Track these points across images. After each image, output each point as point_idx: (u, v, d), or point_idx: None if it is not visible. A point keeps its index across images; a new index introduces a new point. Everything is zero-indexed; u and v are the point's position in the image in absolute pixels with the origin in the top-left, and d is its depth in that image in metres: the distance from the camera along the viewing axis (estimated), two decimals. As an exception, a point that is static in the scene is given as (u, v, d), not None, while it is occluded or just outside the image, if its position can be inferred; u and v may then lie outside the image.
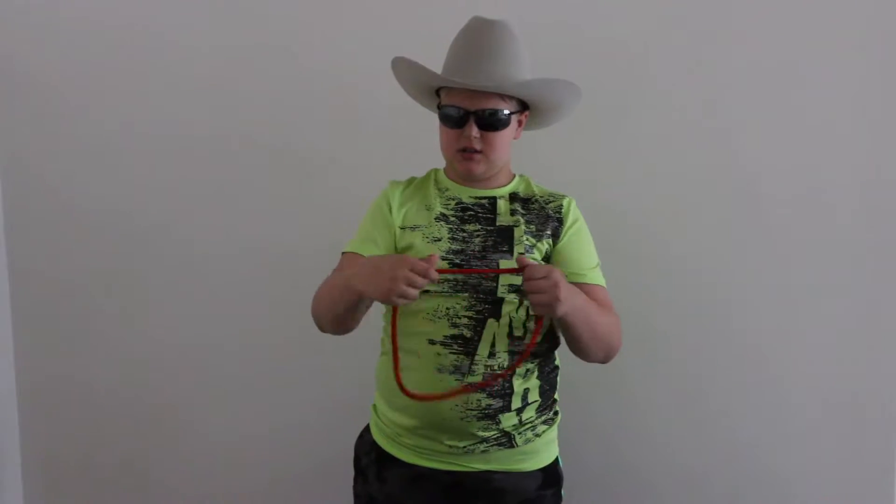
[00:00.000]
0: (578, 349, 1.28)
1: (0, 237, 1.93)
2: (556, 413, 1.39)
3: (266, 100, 1.83)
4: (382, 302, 1.19)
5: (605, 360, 1.32)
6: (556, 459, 1.39)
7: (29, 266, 1.96)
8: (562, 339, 1.38)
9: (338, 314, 1.27)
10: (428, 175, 1.43)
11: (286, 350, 1.90)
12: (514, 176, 1.42)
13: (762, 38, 1.69)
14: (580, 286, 1.26)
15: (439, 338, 1.25)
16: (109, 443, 1.99)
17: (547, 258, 1.33)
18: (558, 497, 1.39)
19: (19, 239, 1.95)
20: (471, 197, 1.35)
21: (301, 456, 1.93)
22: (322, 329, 1.34)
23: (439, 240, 1.29)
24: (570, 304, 1.15)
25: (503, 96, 1.27)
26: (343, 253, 1.37)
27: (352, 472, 1.45)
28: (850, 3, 1.65)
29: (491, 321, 1.26)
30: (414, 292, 1.10)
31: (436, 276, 1.11)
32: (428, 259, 1.11)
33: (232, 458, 1.97)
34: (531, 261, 1.18)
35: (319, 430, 1.90)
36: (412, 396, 1.22)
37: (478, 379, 1.24)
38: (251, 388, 1.94)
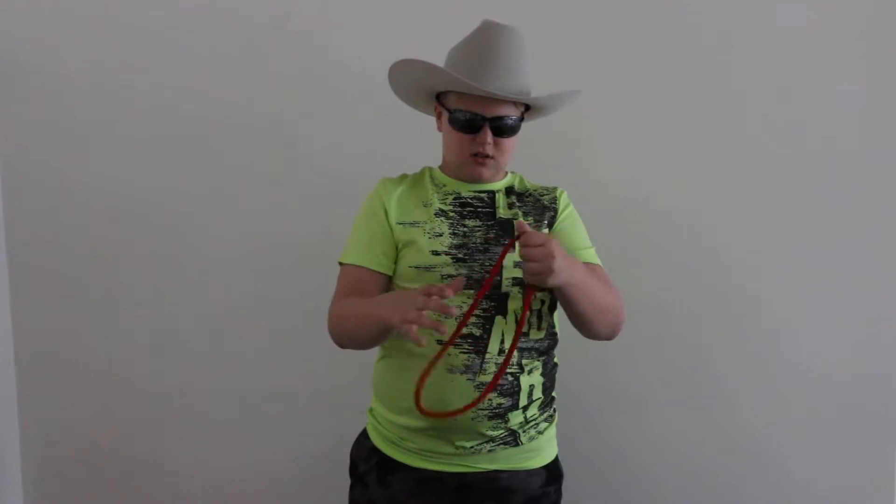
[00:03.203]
0: (582, 324, 1.26)
1: (0, 227, 1.91)
2: (555, 410, 1.40)
3: (266, 96, 1.82)
4: (397, 327, 1.06)
5: (611, 336, 1.31)
6: (557, 457, 1.40)
7: (29, 256, 1.92)
8: (559, 338, 1.39)
9: (366, 339, 1.24)
10: (422, 172, 1.42)
11: (283, 352, 1.89)
12: (507, 172, 1.42)
13: (765, 39, 1.73)
14: None
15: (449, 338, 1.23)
16: (108, 438, 1.97)
17: None
18: (559, 493, 1.40)
19: (19, 229, 1.91)
20: (470, 191, 1.35)
21: (296, 456, 1.92)
22: (342, 346, 1.31)
23: (440, 235, 1.28)
24: (567, 275, 1.12)
25: (515, 102, 1.27)
26: (341, 264, 1.34)
27: (346, 475, 1.41)
28: (852, 2, 1.69)
29: (499, 318, 1.25)
30: (423, 315, 1.01)
31: (450, 293, 1.04)
32: (453, 283, 1.07)
33: (230, 454, 1.95)
34: (529, 228, 1.15)
35: (314, 432, 1.89)
36: (429, 415, 1.14)
37: (489, 378, 1.24)
38: (250, 386, 1.92)
